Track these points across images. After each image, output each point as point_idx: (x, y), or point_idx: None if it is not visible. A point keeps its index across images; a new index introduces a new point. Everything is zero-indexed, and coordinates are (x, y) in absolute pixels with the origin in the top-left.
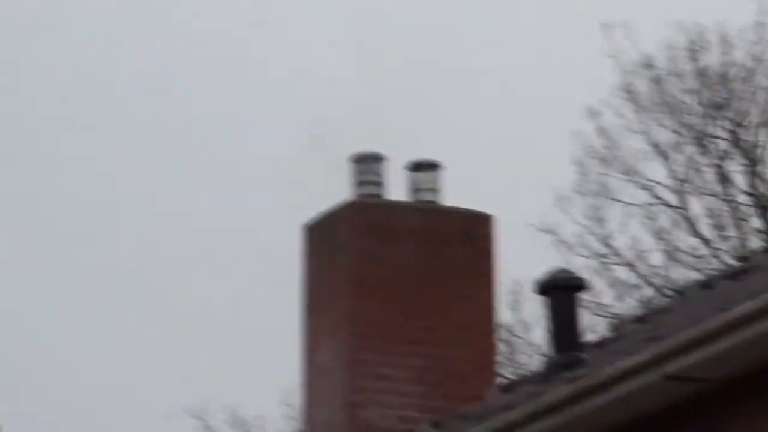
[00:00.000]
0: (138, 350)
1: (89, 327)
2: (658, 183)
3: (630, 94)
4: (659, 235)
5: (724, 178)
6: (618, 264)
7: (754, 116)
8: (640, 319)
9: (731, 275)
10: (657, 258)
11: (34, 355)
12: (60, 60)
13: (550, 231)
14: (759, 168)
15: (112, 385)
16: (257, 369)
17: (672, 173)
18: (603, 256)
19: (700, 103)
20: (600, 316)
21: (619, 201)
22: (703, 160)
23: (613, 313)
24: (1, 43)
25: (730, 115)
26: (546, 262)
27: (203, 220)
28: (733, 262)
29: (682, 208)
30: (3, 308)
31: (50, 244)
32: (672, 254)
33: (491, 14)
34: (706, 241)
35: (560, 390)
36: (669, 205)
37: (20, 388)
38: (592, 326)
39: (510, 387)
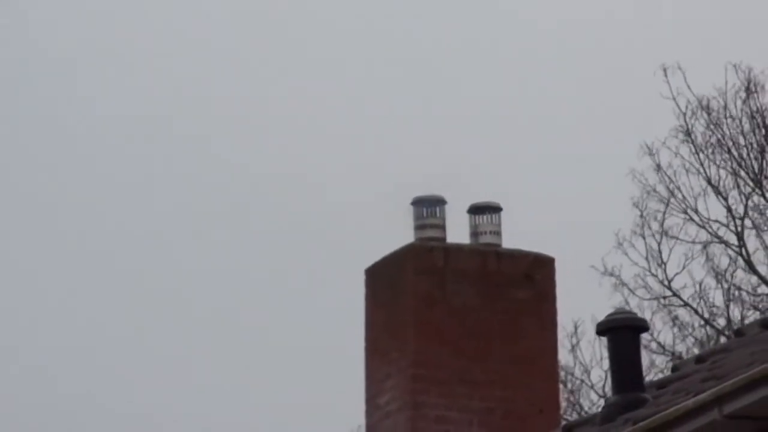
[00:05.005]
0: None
1: None
2: (716, 221)
3: (687, 134)
4: (719, 274)
5: None
6: (678, 304)
7: None
8: (700, 359)
9: None
10: (717, 297)
11: None
12: None
13: (610, 273)
14: None
15: None
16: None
17: (730, 212)
18: (663, 296)
19: (756, 143)
20: (661, 355)
21: (679, 240)
22: (761, 199)
23: (674, 353)
24: None
25: None
26: (606, 303)
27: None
28: None
29: (740, 247)
30: None
31: None
32: (732, 293)
33: (550, 58)
34: (766, 280)
35: (621, 431)
36: (728, 244)
37: None
38: (652, 366)
39: (571, 428)
